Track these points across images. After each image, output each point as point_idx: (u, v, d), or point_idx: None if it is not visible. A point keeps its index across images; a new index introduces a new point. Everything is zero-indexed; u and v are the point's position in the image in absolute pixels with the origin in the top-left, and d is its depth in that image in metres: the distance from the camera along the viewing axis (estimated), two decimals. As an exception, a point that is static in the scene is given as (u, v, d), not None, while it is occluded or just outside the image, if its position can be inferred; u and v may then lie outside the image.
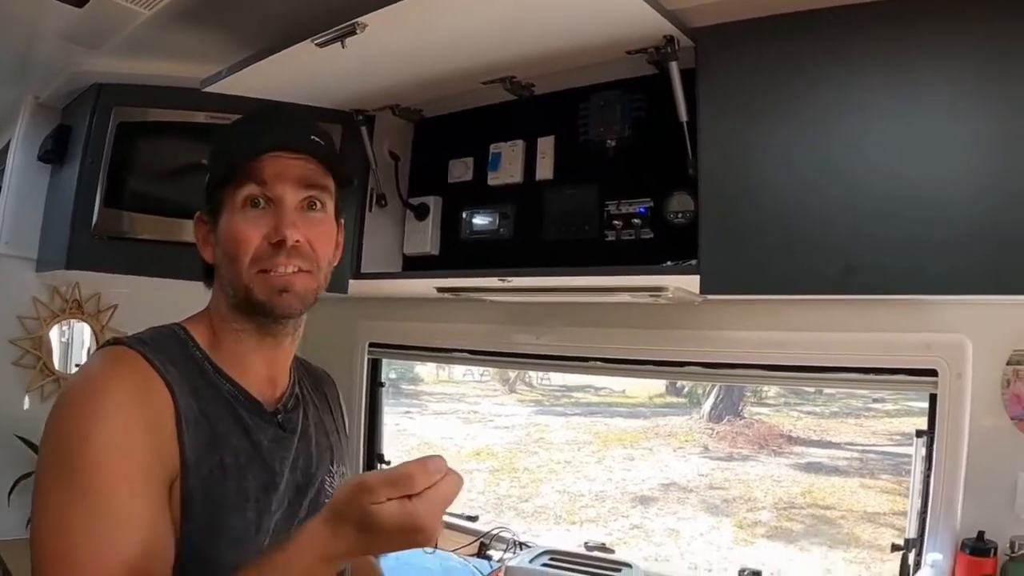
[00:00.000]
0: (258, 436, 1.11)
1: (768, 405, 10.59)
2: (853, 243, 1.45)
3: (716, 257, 1.57)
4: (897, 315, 1.84)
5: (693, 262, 1.61)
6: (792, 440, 9.36)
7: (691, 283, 1.65)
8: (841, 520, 6.79)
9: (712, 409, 10.28)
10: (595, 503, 7.84)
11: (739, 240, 1.56)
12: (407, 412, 7.82)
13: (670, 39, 1.63)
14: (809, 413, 10.16)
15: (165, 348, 1.08)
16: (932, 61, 1.40)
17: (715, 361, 2.15)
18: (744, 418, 10.02)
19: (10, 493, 2.41)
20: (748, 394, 10.44)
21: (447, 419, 8.92)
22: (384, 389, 3.01)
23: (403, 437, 6.43)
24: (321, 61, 1.76)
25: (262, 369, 1.18)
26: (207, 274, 1.20)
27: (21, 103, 2.62)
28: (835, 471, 8.37)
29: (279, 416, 1.17)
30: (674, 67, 1.65)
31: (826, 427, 9.61)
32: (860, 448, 8.80)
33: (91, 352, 1.11)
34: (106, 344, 1.07)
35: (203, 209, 1.18)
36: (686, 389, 11.23)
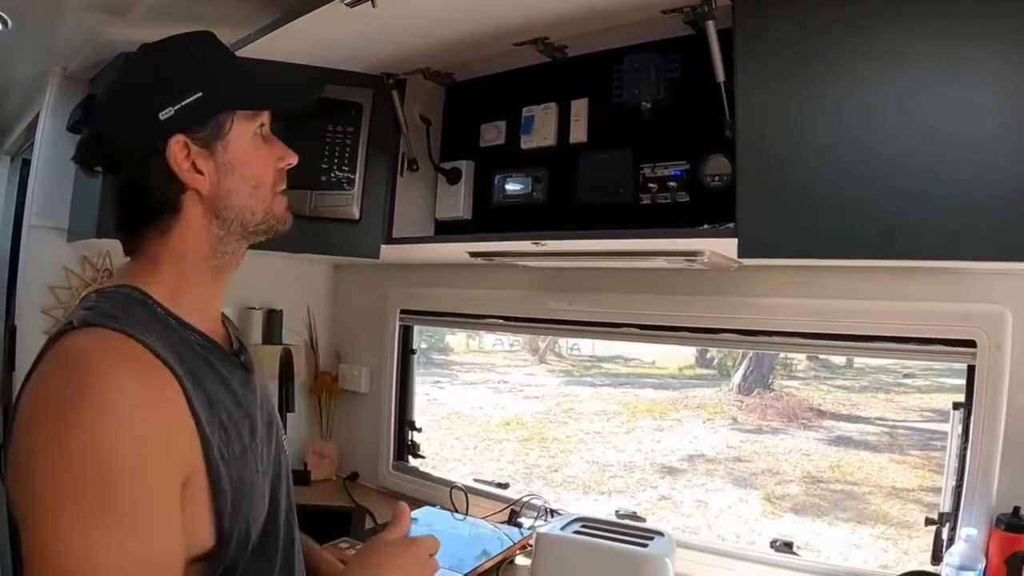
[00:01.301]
0: (232, 384, 1.12)
1: (798, 378, 10.54)
2: (894, 206, 1.41)
3: (754, 220, 1.54)
4: (936, 284, 1.82)
5: (730, 225, 1.57)
6: (822, 414, 9.31)
7: (728, 247, 1.62)
8: (869, 495, 6.76)
9: (742, 381, 10.25)
10: (623, 473, 7.85)
11: (777, 203, 1.52)
12: (437, 382, 7.85)
13: (707, -3, 1.58)
14: (839, 387, 10.10)
15: (141, 321, 1.02)
16: (982, 18, 1.36)
17: (750, 328, 2.13)
18: (774, 391, 9.98)
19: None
20: (778, 367, 10.39)
21: (477, 389, 8.94)
22: (415, 357, 3.00)
23: (433, 407, 6.44)
24: (351, 22, 1.73)
25: (214, 309, 1.21)
26: (161, 213, 1.12)
27: (49, 75, 2.64)
28: (864, 446, 8.32)
29: (241, 357, 1.18)
30: (711, 26, 1.61)
31: (856, 401, 9.55)
32: (890, 423, 8.74)
33: (55, 337, 0.98)
34: (71, 327, 0.97)
35: (187, 133, 1.10)
36: (716, 361, 11.20)
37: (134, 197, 1.13)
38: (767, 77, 1.55)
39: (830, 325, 2.00)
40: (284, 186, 1.23)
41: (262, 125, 1.19)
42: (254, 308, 2.92)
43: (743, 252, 1.56)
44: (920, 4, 1.41)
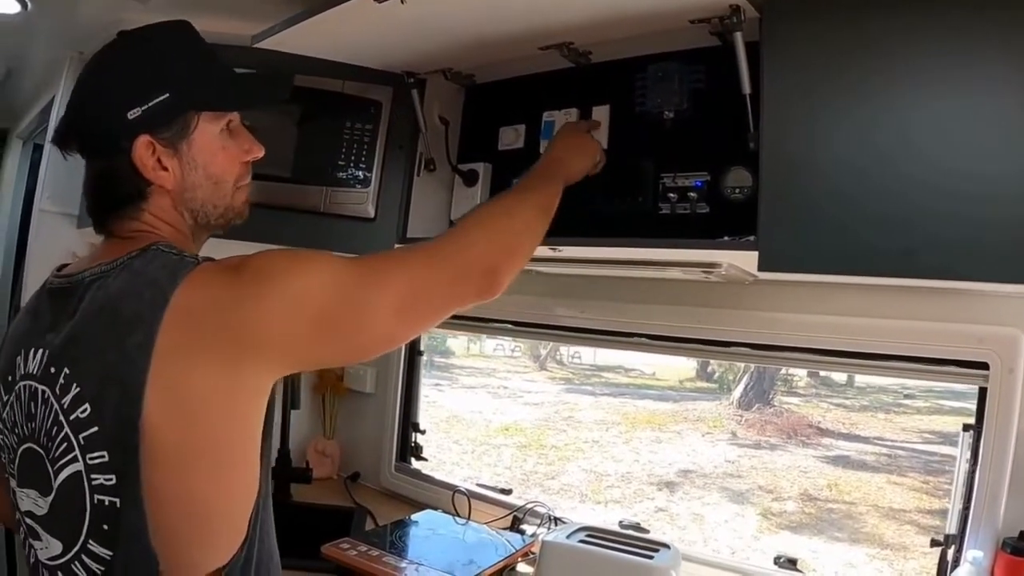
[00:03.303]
0: None
1: (798, 395, 10.53)
2: (917, 225, 1.40)
3: (775, 233, 1.53)
4: (951, 305, 1.81)
5: (751, 238, 1.56)
6: (821, 431, 9.30)
7: (748, 260, 1.61)
8: (865, 516, 6.75)
9: (742, 396, 10.24)
10: (621, 484, 7.84)
11: (799, 217, 1.51)
12: (437, 385, 7.85)
13: (736, 8, 1.57)
14: (839, 405, 10.09)
15: None
16: (1018, 38, 1.34)
17: (763, 343, 2.13)
18: (774, 406, 9.97)
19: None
20: (778, 383, 10.38)
21: (477, 393, 8.95)
22: (421, 359, 3.00)
23: (433, 409, 6.45)
24: (377, 19, 1.71)
25: None
26: (131, 200, 1.22)
27: (65, 60, 2.63)
28: (863, 466, 8.32)
29: None
30: (739, 37, 1.59)
31: (855, 420, 9.54)
32: (889, 444, 8.73)
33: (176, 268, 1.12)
34: (196, 264, 1.12)
35: (153, 132, 1.18)
36: (716, 375, 11.18)
37: (104, 185, 1.22)
38: (794, 90, 1.53)
39: (843, 342, 2.00)
40: (248, 179, 1.35)
41: (229, 122, 1.28)
42: None
43: (763, 266, 1.55)
44: (952, 24, 1.39)
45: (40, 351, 1.13)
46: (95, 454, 1.05)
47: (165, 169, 1.20)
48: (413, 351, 2.98)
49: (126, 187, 1.20)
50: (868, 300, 1.93)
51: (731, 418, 9.89)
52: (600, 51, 1.94)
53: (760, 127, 1.57)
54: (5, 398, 1.20)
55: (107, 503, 1.05)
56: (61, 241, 2.61)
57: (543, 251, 1.87)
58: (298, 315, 1.09)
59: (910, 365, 1.95)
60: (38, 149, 3.26)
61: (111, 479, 1.05)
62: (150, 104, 1.16)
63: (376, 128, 2.15)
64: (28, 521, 1.17)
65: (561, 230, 1.91)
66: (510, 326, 2.62)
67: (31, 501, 1.15)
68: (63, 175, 2.58)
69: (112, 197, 1.21)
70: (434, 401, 7.16)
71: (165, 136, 1.19)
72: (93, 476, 1.06)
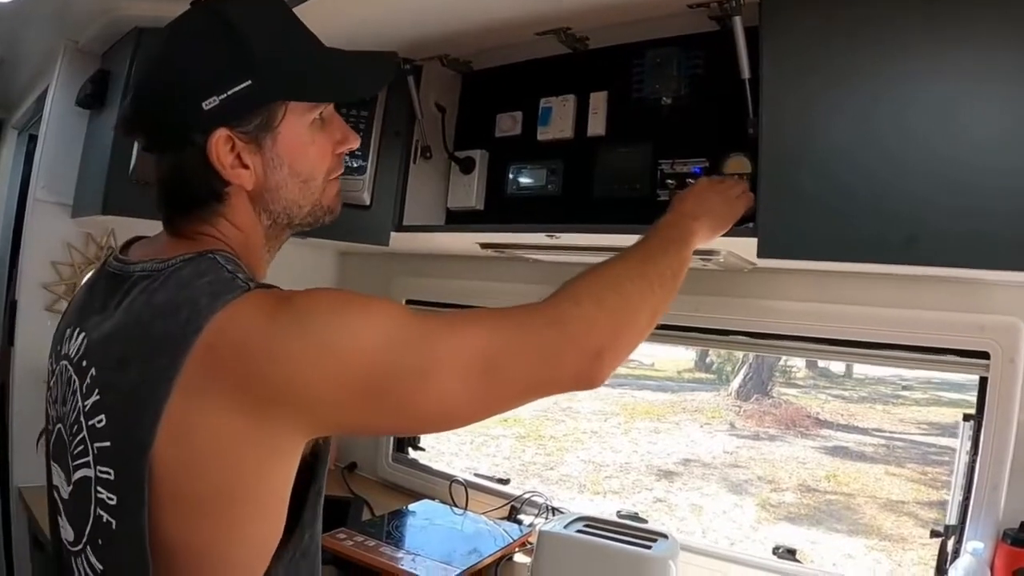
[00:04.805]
0: None
1: (797, 386, 10.55)
2: (918, 212, 1.38)
3: (775, 220, 1.51)
4: (951, 294, 1.79)
5: (750, 225, 1.54)
6: (819, 423, 9.32)
7: (747, 247, 1.59)
8: (864, 507, 6.76)
9: (740, 387, 10.26)
10: (619, 474, 7.84)
11: (799, 203, 1.49)
12: None
13: (735, -8, 1.55)
14: (837, 396, 10.11)
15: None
16: (1018, 23, 1.33)
17: (762, 331, 2.11)
18: (772, 398, 9.99)
19: (38, 441, 2.41)
20: (777, 374, 10.38)
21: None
22: None
23: None
24: (373, 3, 1.71)
25: None
26: (207, 201, 1.07)
27: (59, 48, 2.60)
28: (861, 457, 8.33)
29: None
30: (738, 22, 1.58)
31: (854, 412, 9.56)
32: (887, 435, 8.75)
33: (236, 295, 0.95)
34: (244, 290, 0.95)
35: (232, 125, 1.03)
36: (715, 365, 11.19)
37: (175, 182, 1.07)
38: (793, 76, 1.51)
39: (842, 331, 1.98)
40: (340, 171, 1.19)
41: (321, 112, 1.11)
42: None
43: (763, 252, 1.53)
44: (958, 9, 1.37)
45: (81, 336, 1.04)
46: (104, 468, 0.96)
47: (246, 167, 1.05)
48: None
49: (200, 187, 1.05)
50: (868, 288, 1.91)
51: (730, 409, 9.90)
52: (598, 37, 1.93)
53: (759, 113, 1.55)
54: (54, 367, 1.12)
55: (105, 520, 0.96)
56: (56, 231, 2.59)
57: (540, 238, 1.87)
58: (340, 375, 0.92)
59: (910, 355, 1.93)
60: (33, 140, 3.24)
61: (113, 499, 0.95)
62: (230, 93, 1.00)
63: (372, 115, 2.12)
64: (55, 496, 1.10)
65: (557, 218, 1.94)
66: None
67: (59, 478, 1.07)
68: (58, 165, 2.55)
69: (183, 197, 1.07)
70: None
71: (246, 129, 1.03)
72: (99, 489, 0.97)
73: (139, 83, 1.08)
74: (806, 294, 2.00)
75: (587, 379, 1.09)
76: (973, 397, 1.87)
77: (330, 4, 1.69)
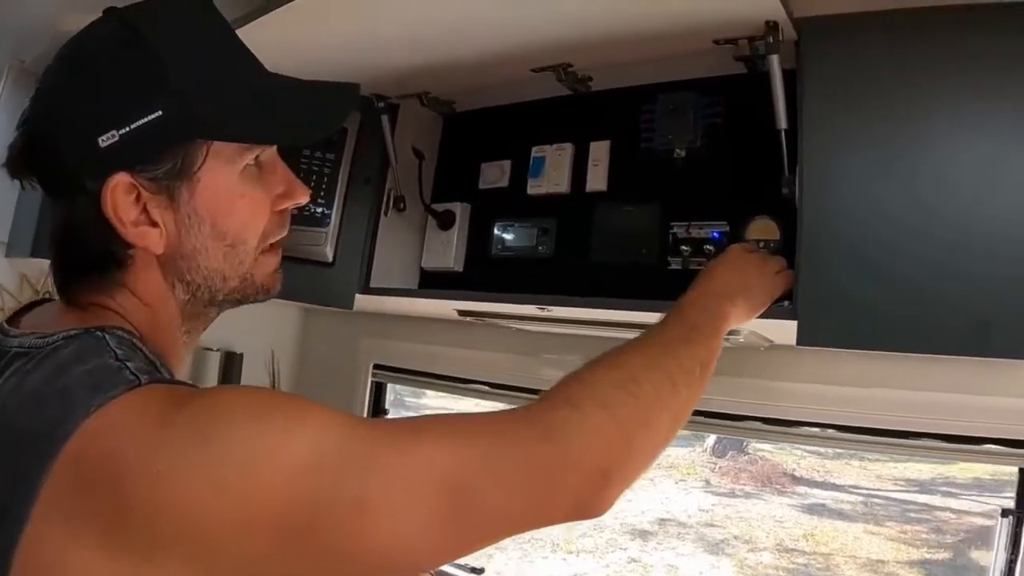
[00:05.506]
0: None
1: (772, 442, 10.38)
2: (991, 294, 1.17)
3: (818, 300, 1.28)
4: (989, 376, 1.58)
5: (785, 304, 1.31)
6: (796, 479, 9.12)
7: (783, 331, 1.37)
8: (843, 567, 6.55)
9: (716, 443, 10.07)
10: (593, 532, 7.60)
11: (847, 281, 1.26)
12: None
13: (773, 26, 1.32)
14: (813, 452, 9.96)
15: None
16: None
17: (778, 417, 1.89)
18: (748, 454, 9.80)
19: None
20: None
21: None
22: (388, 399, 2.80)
23: None
24: (340, 27, 1.50)
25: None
26: (103, 266, 0.84)
27: (4, 68, 2.40)
28: (839, 514, 8.12)
29: None
30: (774, 61, 1.34)
31: (830, 468, 9.38)
32: (864, 492, 8.56)
33: (113, 391, 0.71)
34: (132, 385, 0.72)
35: (136, 168, 0.81)
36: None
37: (66, 241, 0.87)
38: (840, 128, 1.30)
39: (868, 418, 1.76)
40: (282, 234, 0.95)
41: (258, 155, 0.89)
42: (210, 349, 2.65)
43: (804, 339, 1.29)
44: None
45: None
46: None
47: (154, 224, 0.83)
48: (377, 410, 2.73)
49: (94, 248, 0.84)
50: (894, 369, 1.69)
51: (705, 465, 9.72)
52: (602, 77, 1.73)
53: (799, 170, 1.33)
54: None
55: None
56: (-12, 270, 2.38)
57: (529, 310, 1.66)
58: (249, 505, 0.68)
59: (944, 444, 1.71)
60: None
61: None
62: (133, 126, 0.79)
63: (339, 159, 1.92)
64: None
65: (548, 284, 1.71)
66: (486, 387, 2.37)
67: None
68: (-5, 197, 2.35)
69: (74, 259, 0.86)
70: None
71: (155, 175, 0.82)
72: None
73: (28, 110, 0.86)
74: (825, 375, 1.78)
75: (589, 508, 0.86)
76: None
77: (284, 25, 1.48)
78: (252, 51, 0.92)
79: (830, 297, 1.28)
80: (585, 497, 0.85)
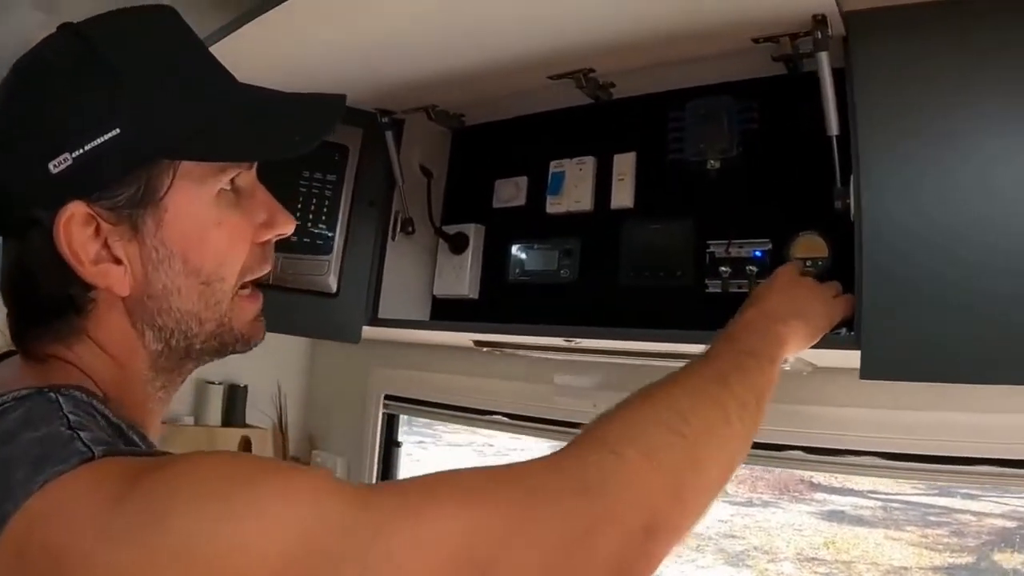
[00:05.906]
0: None
1: (789, 448, 10.34)
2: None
3: (884, 327, 1.14)
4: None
5: (842, 332, 1.19)
6: (813, 486, 9.03)
7: (843, 360, 1.25)
8: (866, 575, 6.46)
9: (732, 452, 10.06)
10: (611, 549, 7.59)
11: (916, 306, 1.13)
12: (421, 442, 7.64)
13: (821, 20, 1.20)
14: (830, 458, 9.93)
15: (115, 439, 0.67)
16: None
17: (822, 446, 1.75)
18: (764, 462, 9.76)
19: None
20: (769, 437, 10.17)
21: (462, 451, 8.72)
22: (399, 450, 2.75)
23: (416, 467, 6.21)
24: (337, 28, 1.39)
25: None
26: (56, 312, 0.75)
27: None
28: (858, 521, 8.02)
29: None
30: (824, 59, 1.22)
31: (847, 473, 9.33)
32: (883, 496, 8.46)
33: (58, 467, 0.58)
34: (84, 458, 0.60)
35: (93, 196, 0.72)
36: (707, 430, 10.98)
37: (18, 282, 0.77)
38: (901, 133, 1.17)
39: (917, 444, 1.61)
40: (264, 270, 0.86)
41: (234, 178, 0.80)
42: (213, 383, 2.58)
43: (868, 371, 1.15)
44: None
45: None
46: None
47: (117, 262, 0.74)
48: (389, 442, 2.65)
49: (48, 290, 0.75)
50: (943, 389, 1.52)
51: (721, 474, 9.72)
52: (626, 83, 1.61)
53: (854, 181, 1.20)
54: None
55: None
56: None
57: (554, 341, 1.54)
58: None
59: (998, 469, 1.55)
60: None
61: None
62: (87, 147, 0.70)
63: (340, 179, 1.82)
64: None
65: (571, 311, 1.63)
66: (505, 419, 2.26)
67: None
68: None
69: (27, 303, 0.77)
70: (418, 459, 6.95)
71: (114, 204, 0.73)
72: None
73: None
74: (871, 399, 1.63)
75: (632, 568, 0.74)
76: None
77: (275, 31, 1.38)
78: (234, 62, 0.83)
79: (898, 324, 1.15)
80: (628, 558, 0.73)
